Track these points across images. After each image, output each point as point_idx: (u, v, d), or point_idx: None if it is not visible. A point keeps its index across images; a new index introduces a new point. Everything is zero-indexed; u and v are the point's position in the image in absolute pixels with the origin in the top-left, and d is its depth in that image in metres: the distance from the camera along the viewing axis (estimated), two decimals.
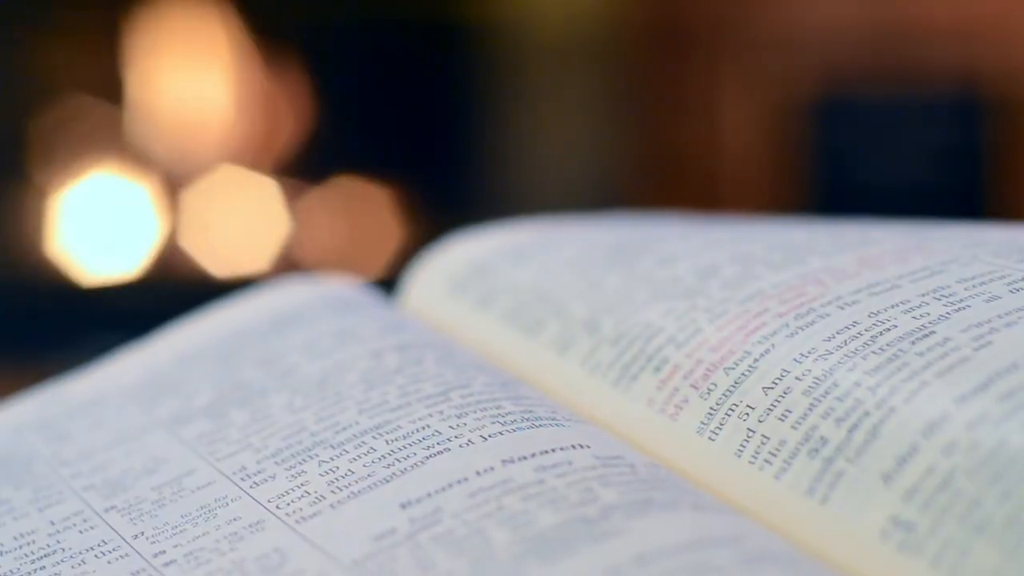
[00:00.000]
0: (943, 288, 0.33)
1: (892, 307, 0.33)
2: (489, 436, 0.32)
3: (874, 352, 0.31)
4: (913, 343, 0.31)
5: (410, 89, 1.73)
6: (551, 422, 0.33)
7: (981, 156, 1.65)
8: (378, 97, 1.73)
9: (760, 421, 0.31)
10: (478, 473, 0.30)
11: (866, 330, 0.32)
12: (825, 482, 0.29)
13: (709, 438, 0.32)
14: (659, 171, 1.77)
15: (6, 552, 0.33)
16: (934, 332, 0.31)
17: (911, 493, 0.28)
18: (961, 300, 0.33)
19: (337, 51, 1.72)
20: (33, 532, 0.33)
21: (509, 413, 0.33)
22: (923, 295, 0.33)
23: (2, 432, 0.39)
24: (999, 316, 0.31)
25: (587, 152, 1.73)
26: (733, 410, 0.32)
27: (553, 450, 0.31)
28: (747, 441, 0.31)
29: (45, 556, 0.32)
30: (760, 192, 1.71)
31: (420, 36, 1.73)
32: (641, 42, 1.74)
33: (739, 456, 0.31)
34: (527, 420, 0.33)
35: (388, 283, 0.49)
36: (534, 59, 1.71)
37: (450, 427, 0.33)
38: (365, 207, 1.71)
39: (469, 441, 0.32)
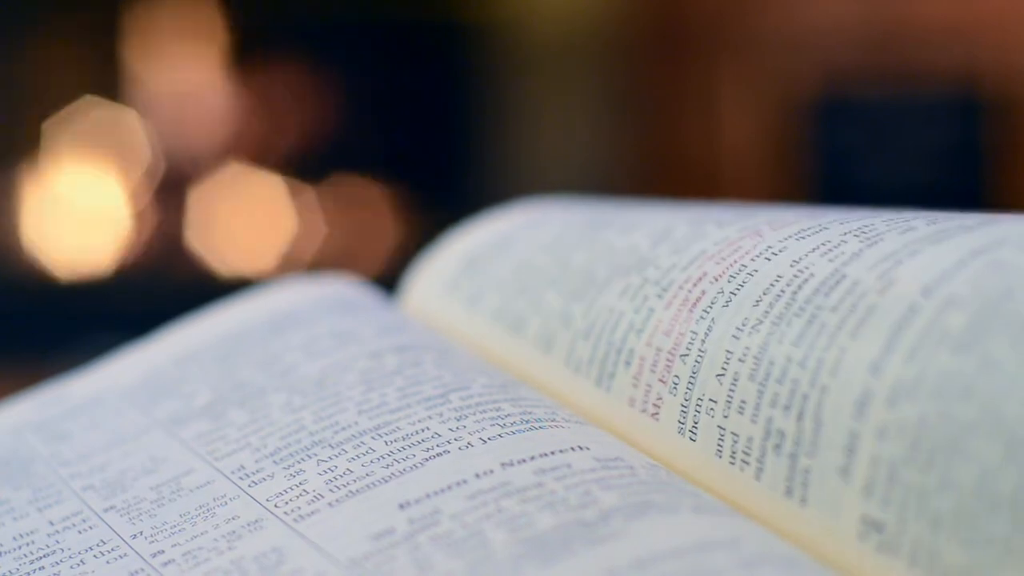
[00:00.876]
0: (866, 226, 0.32)
1: (812, 251, 0.32)
2: (488, 439, 0.32)
3: (795, 314, 0.30)
4: (827, 294, 0.30)
5: (411, 88, 1.74)
6: (551, 423, 0.33)
7: (981, 156, 1.65)
8: (379, 96, 1.73)
9: (725, 416, 0.31)
10: (477, 475, 0.30)
11: (787, 284, 0.31)
12: (798, 482, 0.29)
13: (690, 438, 0.32)
14: (659, 171, 1.77)
15: (6, 552, 0.33)
16: (845, 276, 0.30)
17: (869, 488, 0.27)
18: (878, 234, 0.31)
19: (339, 51, 1.72)
20: (32, 532, 0.33)
21: (508, 415, 0.33)
22: (844, 234, 0.32)
23: (1, 432, 0.39)
24: (905, 245, 0.30)
25: (587, 152, 1.73)
26: (700, 405, 0.32)
27: (552, 452, 0.31)
28: (722, 440, 0.31)
29: (44, 556, 0.32)
30: (760, 192, 1.71)
31: (420, 36, 1.73)
32: (641, 42, 1.74)
33: (719, 456, 0.31)
34: (526, 422, 0.33)
35: (389, 283, 0.49)
36: (535, 59, 1.71)
37: (449, 429, 0.33)
38: (366, 206, 1.71)
39: (468, 443, 0.32)
